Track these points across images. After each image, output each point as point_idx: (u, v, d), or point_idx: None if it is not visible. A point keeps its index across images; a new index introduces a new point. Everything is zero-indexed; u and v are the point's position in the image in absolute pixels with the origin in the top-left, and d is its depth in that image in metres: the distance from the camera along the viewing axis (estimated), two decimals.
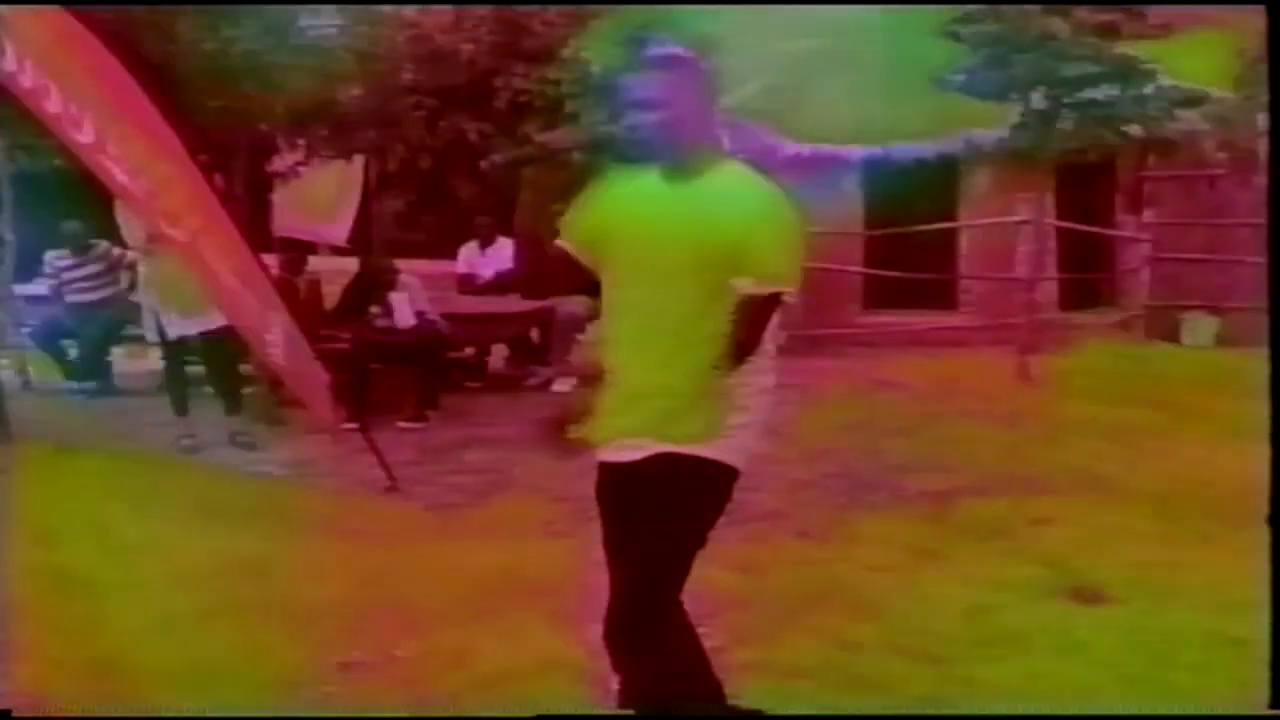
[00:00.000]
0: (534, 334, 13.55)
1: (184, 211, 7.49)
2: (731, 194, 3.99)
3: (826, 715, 3.86)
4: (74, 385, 12.24)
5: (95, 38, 7.56)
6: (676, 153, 4.04)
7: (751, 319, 3.94)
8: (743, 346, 3.94)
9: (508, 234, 14.82)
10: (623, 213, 4.13)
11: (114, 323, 12.35)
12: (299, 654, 5.36)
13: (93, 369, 12.30)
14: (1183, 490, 8.12)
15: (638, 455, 3.98)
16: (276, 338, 8.03)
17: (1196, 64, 16.01)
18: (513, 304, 13.49)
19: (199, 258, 7.72)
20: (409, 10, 17.23)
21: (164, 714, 3.89)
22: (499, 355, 14.08)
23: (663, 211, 4.02)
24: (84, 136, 7.26)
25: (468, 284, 14.06)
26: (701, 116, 4.08)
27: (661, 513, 3.98)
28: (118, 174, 7.26)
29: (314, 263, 13.55)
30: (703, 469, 3.95)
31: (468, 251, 14.49)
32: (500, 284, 14.02)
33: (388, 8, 16.68)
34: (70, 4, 7.64)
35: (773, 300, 3.96)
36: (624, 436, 4.03)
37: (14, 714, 3.61)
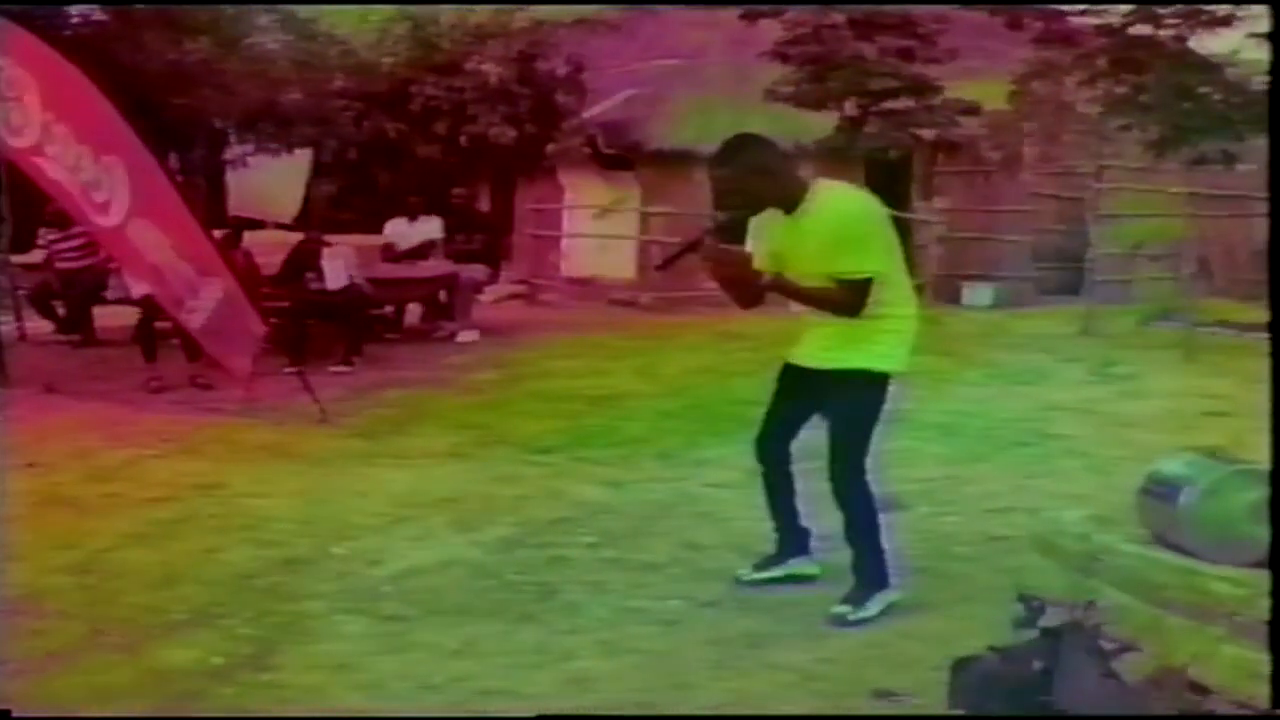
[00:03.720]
0: (441, 295, 13.45)
1: (116, 201, 7.02)
2: (820, 221, 4.53)
3: (826, 715, 3.85)
4: (62, 337, 12.02)
5: (46, 46, 7.08)
6: (780, 204, 4.60)
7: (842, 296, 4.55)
8: (838, 308, 4.57)
9: (429, 212, 14.51)
10: (771, 242, 4.69)
11: (95, 286, 12.17)
12: (249, 554, 5.33)
13: (77, 324, 12.09)
14: (961, 421, 8.29)
15: (825, 367, 4.67)
16: (203, 302, 7.72)
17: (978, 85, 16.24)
18: (424, 269, 13.38)
19: (124, 240, 7.26)
20: (340, 29, 17.01)
21: (164, 714, 3.80)
22: (413, 312, 13.97)
23: (786, 241, 4.63)
24: (21, 142, 6.79)
25: (388, 253, 13.86)
26: (779, 179, 4.63)
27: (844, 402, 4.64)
28: (49, 172, 6.80)
29: (258, 236, 13.27)
30: (864, 375, 4.59)
31: (395, 224, 14.16)
32: (420, 253, 13.79)
33: (323, 27, 16.47)
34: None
35: (851, 284, 4.52)
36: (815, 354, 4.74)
37: (13, 714, 3.43)
